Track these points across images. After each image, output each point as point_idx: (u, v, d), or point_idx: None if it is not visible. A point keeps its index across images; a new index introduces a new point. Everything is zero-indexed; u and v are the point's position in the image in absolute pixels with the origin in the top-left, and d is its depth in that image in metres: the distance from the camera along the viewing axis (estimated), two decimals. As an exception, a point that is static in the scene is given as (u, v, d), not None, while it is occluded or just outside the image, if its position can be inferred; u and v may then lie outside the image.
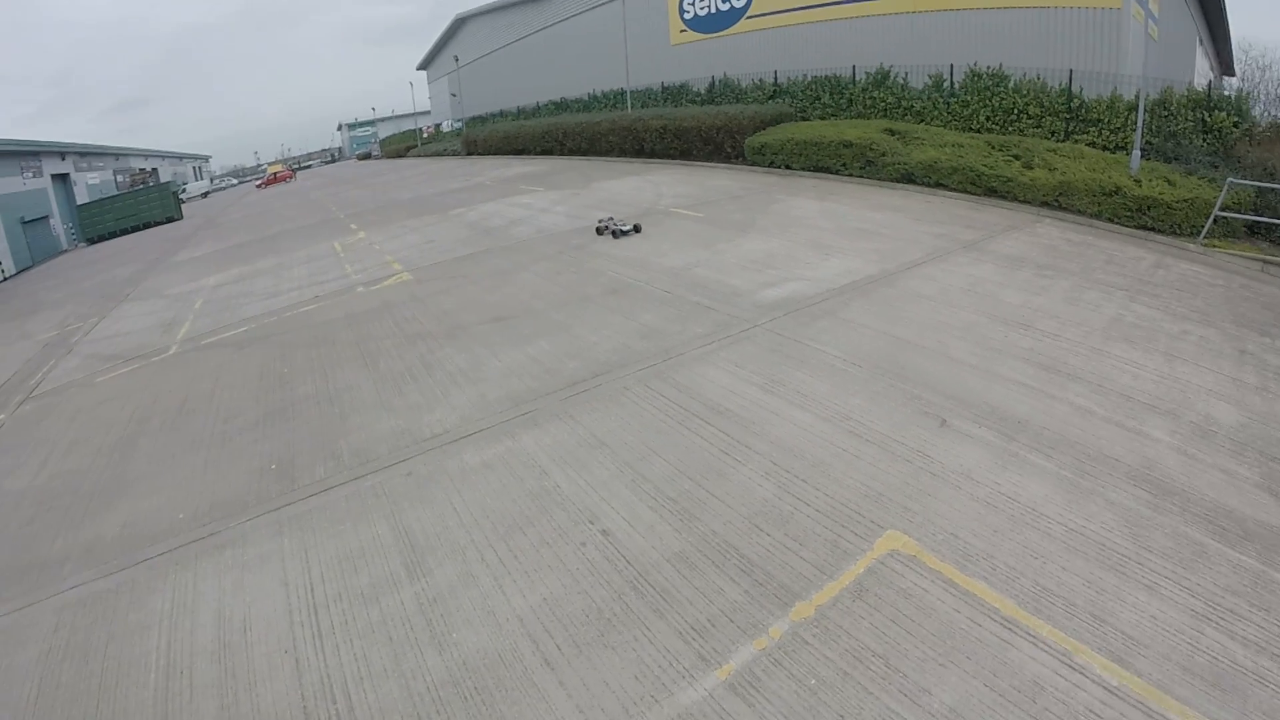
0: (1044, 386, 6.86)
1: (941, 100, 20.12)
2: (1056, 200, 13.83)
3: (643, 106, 32.82)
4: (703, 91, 30.26)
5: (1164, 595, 4.50)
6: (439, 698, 4.19)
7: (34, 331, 18.86)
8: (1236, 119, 15.19)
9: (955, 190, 15.40)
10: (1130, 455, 5.91)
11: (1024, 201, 14.33)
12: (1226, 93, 16.84)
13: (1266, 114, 16.98)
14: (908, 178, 16.79)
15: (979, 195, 15.06)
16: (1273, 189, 12.40)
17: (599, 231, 14.75)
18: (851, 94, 22.85)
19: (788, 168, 20.17)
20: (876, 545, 4.86)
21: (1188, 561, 4.79)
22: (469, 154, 49.26)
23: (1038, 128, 17.90)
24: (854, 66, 23.08)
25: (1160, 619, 4.32)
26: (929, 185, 16.18)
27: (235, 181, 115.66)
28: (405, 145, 75.33)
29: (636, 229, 14.39)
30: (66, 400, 11.77)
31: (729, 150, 23.37)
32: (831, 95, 23.58)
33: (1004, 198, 14.67)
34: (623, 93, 34.97)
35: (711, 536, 5.13)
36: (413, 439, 7.43)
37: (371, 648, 4.70)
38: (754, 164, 21.63)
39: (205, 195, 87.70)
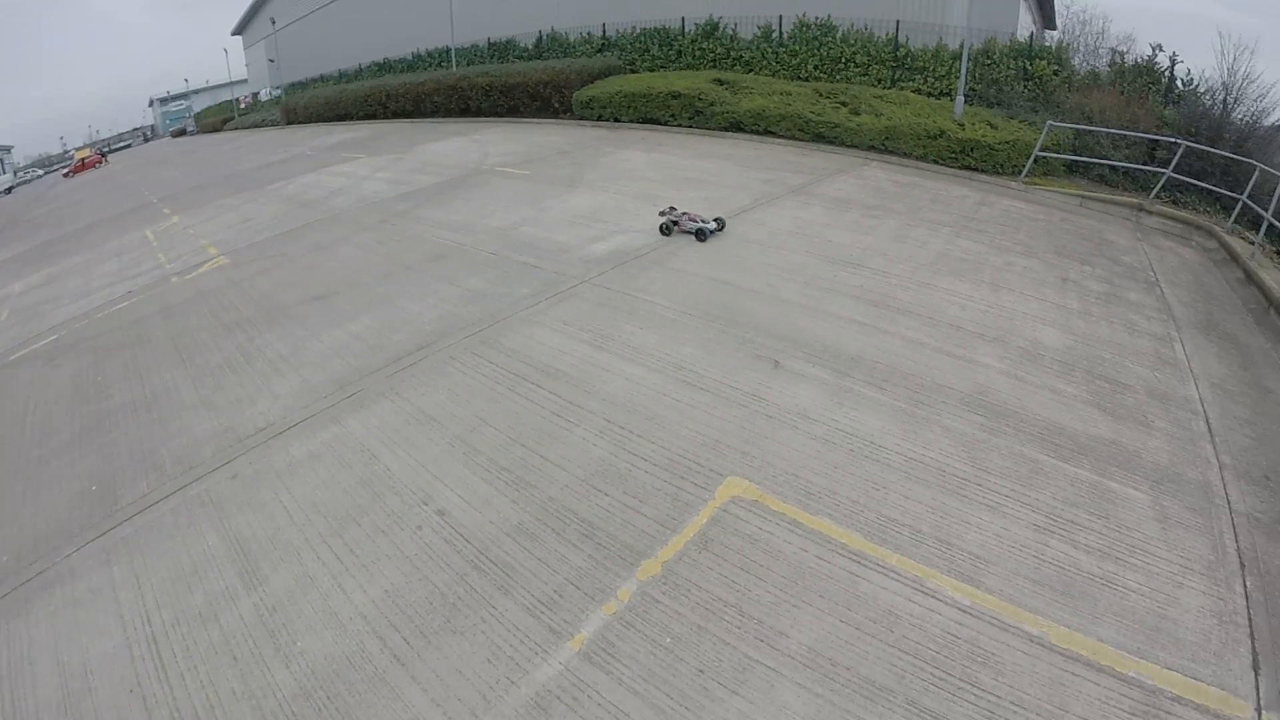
0: (875, 322, 6.90)
1: (770, 50, 20.04)
2: (883, 144, 14.14)
3: (469, 65, 31.44)
4: (530, 47, 29.22)
5: (1006, 514, 4.59)
6: (293, 713, 3.83)
7: None
8: (1056, 68, 16.03)
9: (784, 137, 15.49)
10: (963, 383, 6.01)
11: (852, 146, 14.57)
12: (1048, 44, 17.51)
13: (1085, 64, 17.92)
14: (737, 126, 16.76)
15: (807, 141, 15.20)
16: (1090, 131, 13.21)
17: (664, 231, 9.62)
18: (680, 45, 22.53)
19: (616, 120, 19.79)
20: (718, 493, 4.74)
21: (1026, 479, 4.92)
22: (289, 123, 46.11)
23: (865, 76, 18.11)
24: (683, 18, 22.69)
25: (1005, 536, 4.41)
26: (758, 133, 16.21)
27: (41, 172, 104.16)
28: (222, 118, 69.84)
29: (720, 225, 9.49)
30: None
31: (557, 105, 22.67)
32: (660, 47, 23.18)
33: (832, 143, 14.86)
34: (448, 51, 33.37)
35: (550, 503, 4.89)
36: (236, 437, 6.80)
37: (217, 671, 4.27)
38: (583, 118, 21.10)
39: (9, 191, 78.60)
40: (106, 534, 6.03)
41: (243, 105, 71.34)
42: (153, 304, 11.88)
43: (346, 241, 12.38)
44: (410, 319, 8.38)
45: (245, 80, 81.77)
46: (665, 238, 9.50)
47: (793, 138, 15.42)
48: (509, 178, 14.92)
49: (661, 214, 9.86)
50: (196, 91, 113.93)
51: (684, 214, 9.63)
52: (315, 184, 19.37)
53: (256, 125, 54.57)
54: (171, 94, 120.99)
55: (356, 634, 4.21)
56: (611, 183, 13.00)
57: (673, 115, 18.18)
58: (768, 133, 15.99)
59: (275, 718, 3.84)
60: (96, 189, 41.84)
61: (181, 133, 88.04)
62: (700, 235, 9.25)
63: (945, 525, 4.44)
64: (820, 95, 16.46)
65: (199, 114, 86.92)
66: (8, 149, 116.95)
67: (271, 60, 64.89)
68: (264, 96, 68.65)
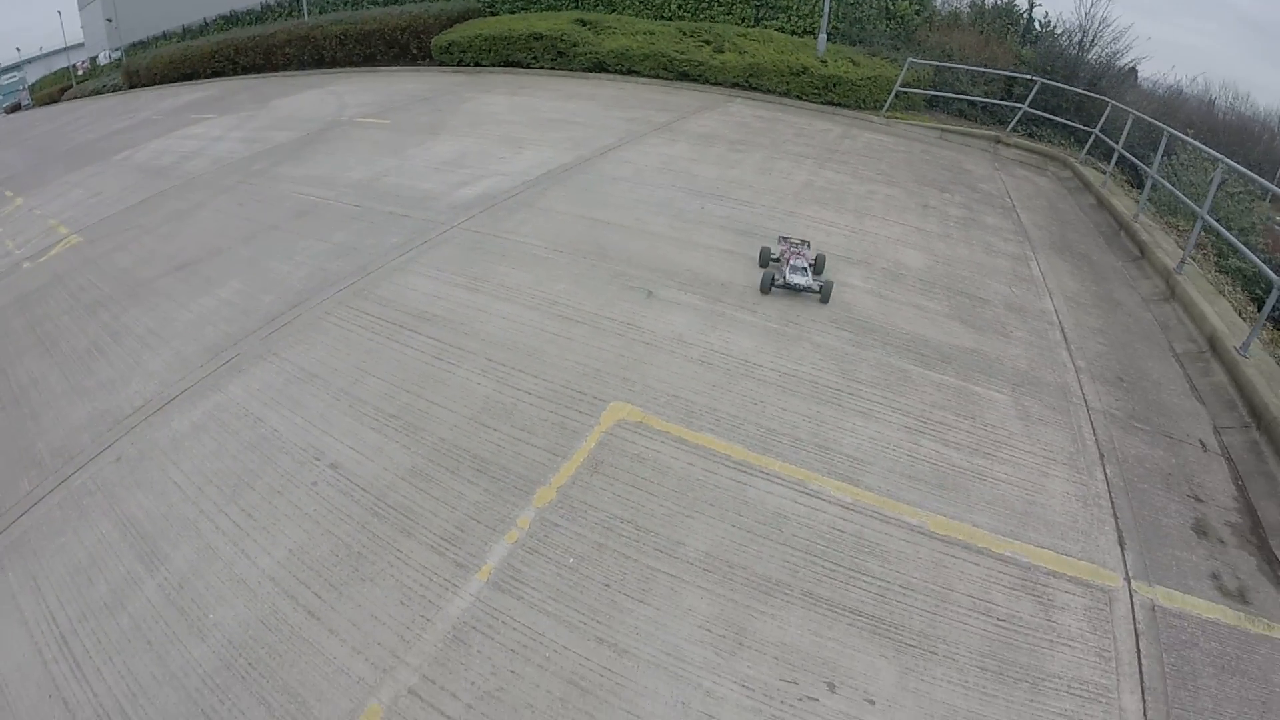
0: (743, 250, 6.95)
1: None
2: (747, 81, 14.09)
3: (321, 13, 29.17)
4: None
5: (879, 418, 4.83)
6: (218, 686, 3.70)
7: None
8: (918, 7, 16.26)
9: (648, 77, 15.24)
10: (831, 305, 6.10)
11: (716, 84, 14.49)
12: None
13: (947, 4, 17.97)
14: (600, 67, 16.38)
15: (672, 80, 15.00)
16: (949, 68, 13.44)
17: (767, 287, 6.08)
18: None
19: (477, 65, 18.94)
20: (602, 418, 4.74)
21: (895, 386, 5.17)
22: (131, 87, 41.91)
23: (728, 15, 17.71)
24: None
25: (880, 439, 4.63)
26: (622, 74, 15.93)
27: None
28: (59, 87, 62.87)
29: (817, 271, 6.39)
30: None
31: (415, 52, 21.47)
32: None
33: (696, 81, 14.72)
34: None
35: (440, 444, 4.81)
36: (114, 419, 6.30)
37: (133, 658, 4.05)
38: (443, 64, 20.08)
39: None
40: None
41: (80, 71, 64.39)
42: (5, 294, 10.69)
43: (204, 206, 11.45)
44: (280, 279, 7.96)
45: (82, 44, 73.53)
46: (538, 186, 9.10)
47: (657, 77, 15.22)
48: (369, 128, 14.24)
49: (771, 258, 6.61)
50: (30, 60, 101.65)
51: (785, 248, 6.51)
52: (165, 149, 17.78)
53: (97, 92, 49.46)
54: (2, 65, 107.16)
55: (267, 596, 4.08)
56: (475, 127, 12.53)
57: (535, 58, 17.53)
58: (631, 72, 15.74)
59: (200, 694, 3.73)
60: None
61: (16, 108, 78.57)
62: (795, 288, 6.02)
63: (822, 432, 4.60)
64: (684, 34, 16.19)
65: (33, 85, 77.85)
66: None
67: (109, 20, 58.76)
68: (103, 60, 62.23)
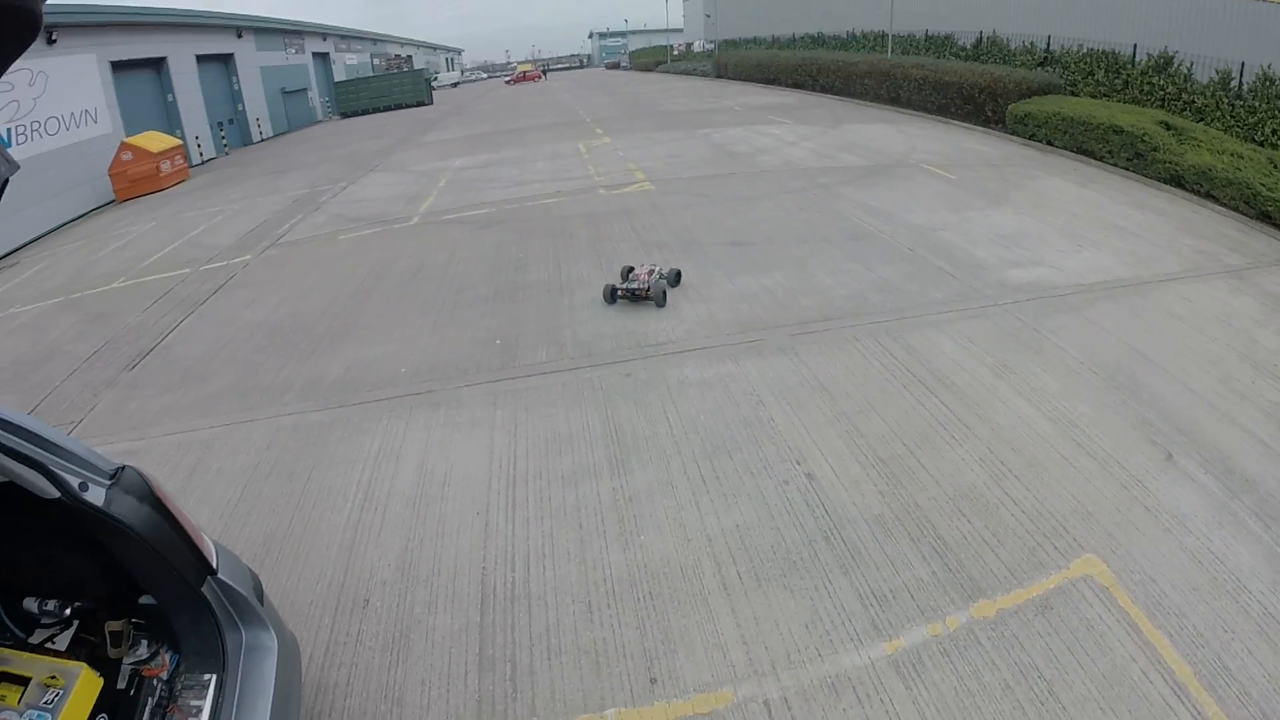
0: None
1: (1226, 101, 18.08)
2: None
3: (903, 53, 31.22)
4: (968, 46, 28.44)
5: None
6: (612, 591, 4.47)
7: (285, 188, 20.95)
8: None
9: (1225, 205, 13.84)
10: None
11: None
12: None
13: None
14: (1175, 180, 15.26)
15: (1251, 218, 13.44)
16: None
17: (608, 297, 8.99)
18: (1129, 75, 20.86)
19: (1049, 143, 18.82)
20: (1073, 565, 4.65)
21: None
22: (718, 76, 49.15)
23: None
24: (1135, 45, 21.04)
25: None
26: (1198, 194, 14.63)
27: (485, 76, 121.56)
28: (654, 60, 76.07)
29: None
30: (309, 251, 13.05)
31: (989, 114, 22.01)
32: (1106, 73, 21.62)
33: (1278, 226, 12.95)
34: (883, 35, 33.33)
35: (913, 508, 5.11)
36: (637, 342, 7.74)
37: (559, 529, 5.03)
38: (1013, 133, 20.31)
39: (455, 85, 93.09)
40: (499, 382, 7.23)
41: (676, 52, 77.12)
42: (579, 207, 13.60)
43: (768, 199, 13.17)
44: (821, 289, 8.92)
45: (681, 30, 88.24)
46: (1089, 294, 8.97)
47: (1235, 209, 13.66)
48: (933, 177, 14.99)
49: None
50: (634, 32, 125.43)
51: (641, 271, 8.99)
52: (741, 138, 20.60)
53: (686, 73, 58.70)
54: (611, 30, 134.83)
55: (696, 550, 4.75)
56: (1038, 209, 12.65)
57: (1109, 151, 16.92)
58: (1209, 196, 14.34)
59: (596, 588, 4.52)
60: (533, 99, 47.84)
61: (615, 66, 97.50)
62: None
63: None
64: (1275, 166, 14.49)
65: (634, 53, 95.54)
66: (459, 51, 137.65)
67: (708, 16, 69.16)
68: (697, 48, 73.55)
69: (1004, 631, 4.13)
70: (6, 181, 2.60)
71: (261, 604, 3.16)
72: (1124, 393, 6.70)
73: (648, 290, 8.50)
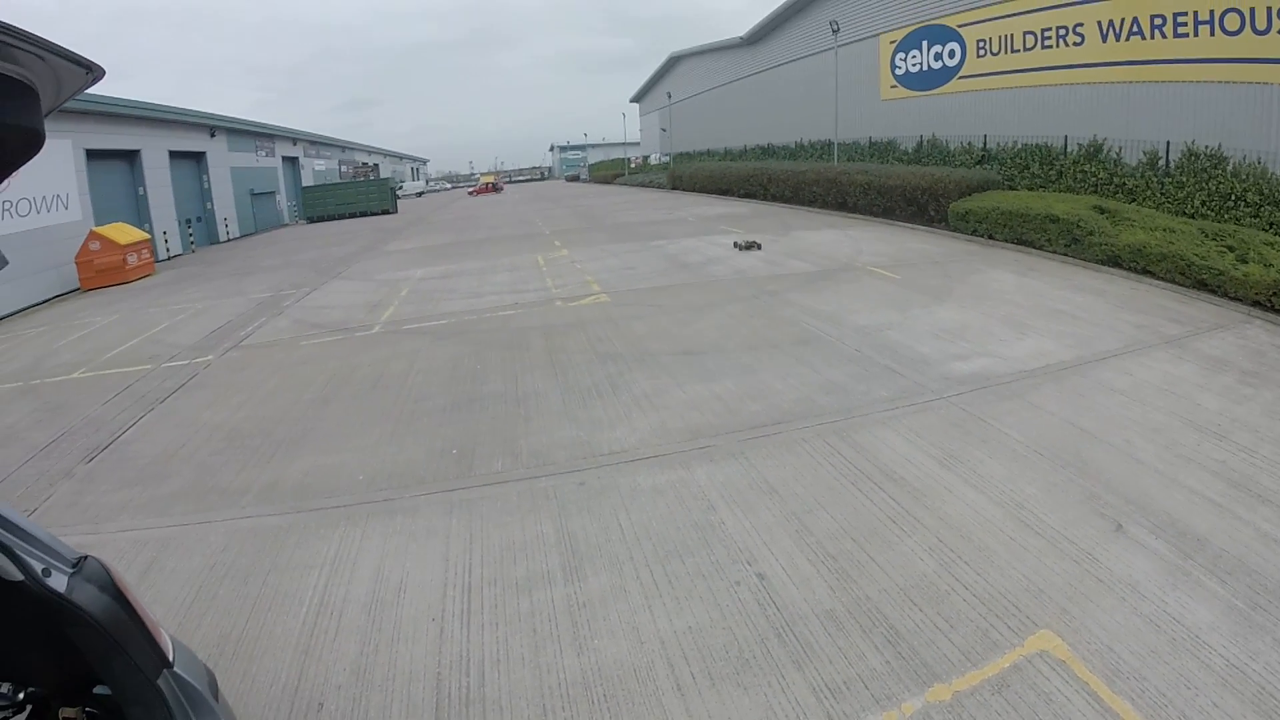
0: (1230, 505, 6.35)
1: (1155, 179, 19.12)
2: (1270, 301, 12.67)
3: (849, 160, 32.72)
4: (910, 150, 29.92)
5: None
6: (567, 695, 4.45)
7: (249, 290, 21.19)
8: None
9: (1162, 279, 14.44)
10: None
11: (1235, 298, 13.18)
12: None
13: None
14: (1113, 260, 15.93)
15: (1187, 287, 14.01)
16: None
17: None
18: (1062, 165, 22.11)
19: (990, 237, 19.69)
20: (1027, 642, 4.69)
21: None
22: (673, 188, 50.76)
23: (1255, 217, 16.51)
24: (1065, 137, 22.35)
25: None
26: (1135, 271, 15.27)
27: (449, 186, 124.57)
28: (613, 173, 78.46)
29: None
30: (271, 355, 13.16)
31: (932, 213, 23.00)
32: (1041, 165, 22.89)
33: (1214, 292, 13.56)
34: (830, 144, 34.91)
35: (864, 601, 5.15)
36: (590, 451, 7.85)
37: (514, 635, 5.04)
38: (956, 229, 21.22)
39: (420, 195, 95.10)
40: (454, 491, 7.29)
41: (633, 165, 79.61)
42: (536, 318, 13.87)
43: (718, 307, 13.54)
44: (769, 393, 9.10)
45: (638, 143, 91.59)
46: (1032, 379, 9.30)
47: (1172, 280, 14.25)
48: (879, 279, 15.51)
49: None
50: (593, 145, 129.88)
51: None
52: (694, 249, 21.23)
53: (643, 185, 60.61)
54: (571, 144, 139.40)
55: (650, 653, 4.76)
56: (980, 301, 13.11)
57: (1048, 239, 17.74)
58: (1145, 271, 14.96)
59: (551, 692, 4.47)
60: (495, 210, 49.00)
61: (575, 179, 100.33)
62: None
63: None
64: (1206, 236, 15.20)
65: (593, 165, 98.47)
66: (424, 161, 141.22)
67: (664, 130, 72.19)
68: (654, 160, 76.22)
69: (961, 714, 4.14)
70: None
71: (216, 700, 3.16)
72: (1070, 470, 6.88)
73: None
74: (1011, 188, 23.16)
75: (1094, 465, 6.98)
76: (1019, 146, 24.14)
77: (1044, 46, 24.29)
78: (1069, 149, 22.24)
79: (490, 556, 6.02)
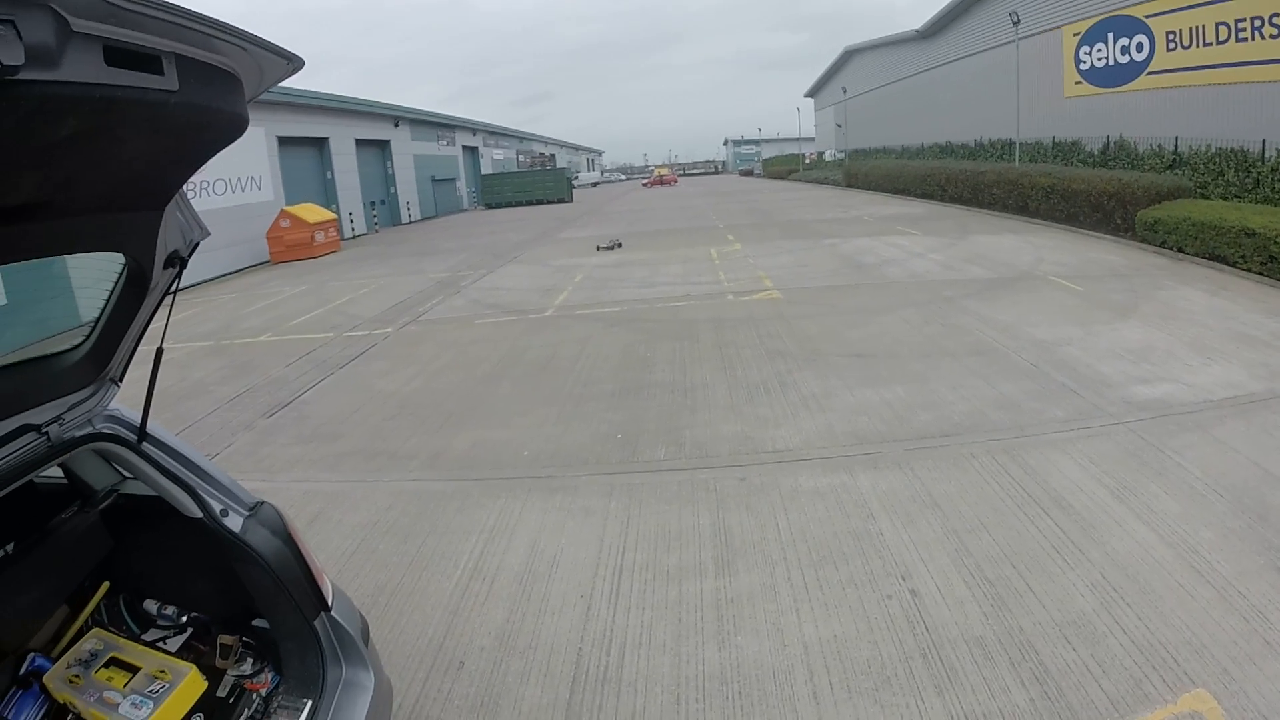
0: None
1: None
2: None
3: (1031, 160, 30.87)
4: (1095, 152, 27.92)
5: None
6: (703, 687, 4.46)
7: (428, 269, 22.37)
8: None
9: None
10: None
11: None
12: None
13: None
14: None
15: None
16: None
17: None
18: (1259, 173, 19.96)
19: (1180, 250, 18.01)
20: (1181, 700, 4.30)
21: None
22: (848, 185, 49.67)
23: None
24: (1263, 141, 20.13)
25: None
26: None
27: (623, 177, 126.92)
28: (787, 168, 77.56)
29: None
30: (446, 332, 13.89)
31: (1118, 221, 21.24)
32: (1236, 172, 20.78)
33: None
34: (1010, 143, 33.09)
35: (1017, 632, 4.89)
36: (754, 448, 7.84)
37: (659, 622, 5.10)
38: (1143, 240, 19.58)
39: (595, 185, 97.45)
40: (615, 475, 7.42)
41: (807, 161, 78.51)
42: (706, 311, 13.96)
43: (891, 311, 13.18)
44: (940, 403, 8.81)
45: (812, 139, 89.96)
46: (1219, 411, 8.50)
47: None
48: (1060, 290, 14.69)
49: None
50: (767, 140, 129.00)
51: None
52: (869, 249, 20.74)
53: (817, 181, 59.57)
54: (745, 138, 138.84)
55: (791, 656, 4.69)
56: (1166, 321, 12.14)
57: (1242, 256, 15.99)
58: None
59: (688, 683, 4.49)
60: (668, 203, 49.50)
61: (749, 173, 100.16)
62: None
63: None
64: None
65: (766, 160, 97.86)
66: (600, 152, 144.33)
67: (839, 125, 70.45)
68: (828, 156, 74.72)
69: (1100, 768, 3.83)
70: (198, 244, 3.06)
71: (366, 646, 3.37)
72: (1250, 516, 6.23)
73: None
74: (1203, 196, 21.07)
75: (1277, 513, 6.29)
76: (1212, 150, 22.07)
77: (1238, 39, 22.05)
78: (1266, 154, 20.09)
79: (644, 542, 6.13)
